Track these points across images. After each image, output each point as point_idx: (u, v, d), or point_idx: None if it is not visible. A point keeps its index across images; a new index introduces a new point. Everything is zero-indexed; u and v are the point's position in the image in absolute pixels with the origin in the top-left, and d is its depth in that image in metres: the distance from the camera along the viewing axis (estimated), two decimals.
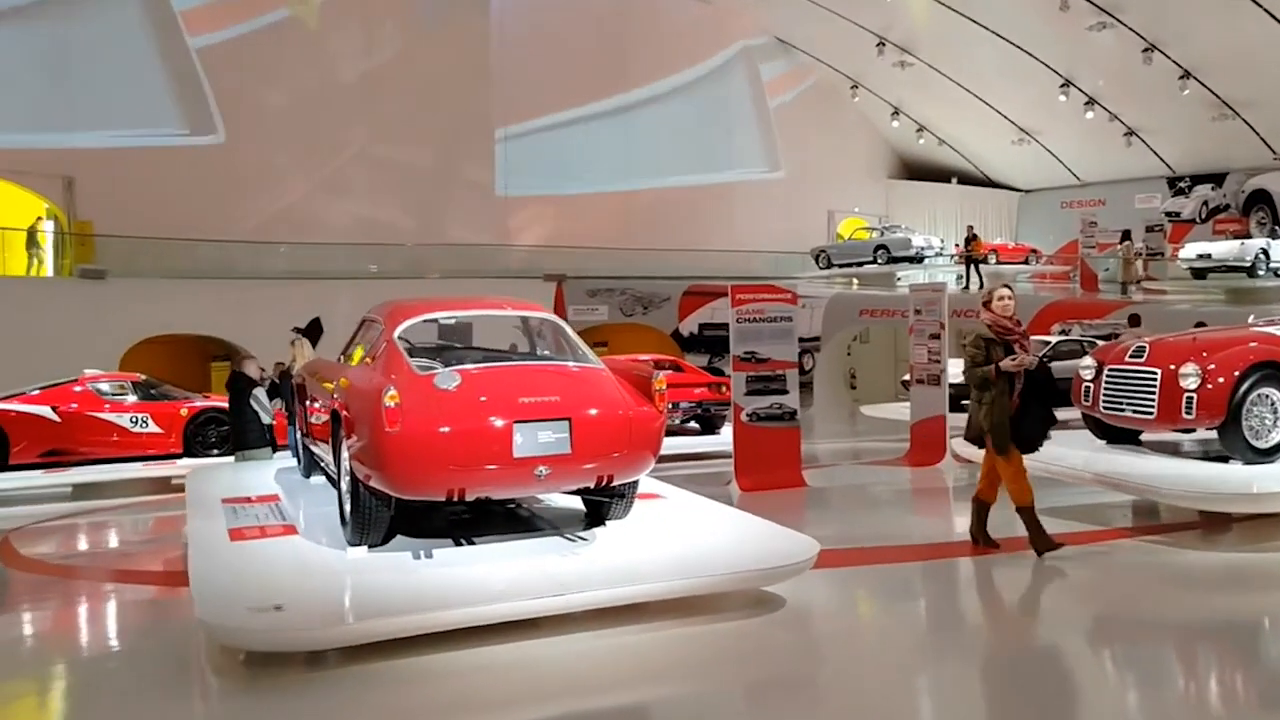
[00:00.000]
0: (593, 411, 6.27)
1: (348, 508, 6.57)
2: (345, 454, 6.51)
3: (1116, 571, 7.44)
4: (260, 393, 10.41)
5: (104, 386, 14.94)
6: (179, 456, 14.79)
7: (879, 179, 36.26)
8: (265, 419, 10.40)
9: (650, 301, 26.66)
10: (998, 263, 28.93)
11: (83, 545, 11.05)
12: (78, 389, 14.81)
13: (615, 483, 6.51)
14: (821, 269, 29.99)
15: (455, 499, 6.08)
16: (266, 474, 9.40)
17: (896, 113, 33.75)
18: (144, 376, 15.71)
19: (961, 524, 8.61)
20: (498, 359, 7.17)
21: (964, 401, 7.95)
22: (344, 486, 6.69)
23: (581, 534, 6.85)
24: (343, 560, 6.37)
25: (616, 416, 6.31)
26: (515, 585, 5.71)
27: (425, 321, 7.12)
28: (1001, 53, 28.85)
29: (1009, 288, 7.54)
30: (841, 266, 29.84)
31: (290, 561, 6.35)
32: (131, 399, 14.94)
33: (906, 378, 15.73)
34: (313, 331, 13.12)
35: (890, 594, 7.19)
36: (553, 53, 29.43)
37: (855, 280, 29.48)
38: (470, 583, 5.84)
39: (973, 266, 26.19)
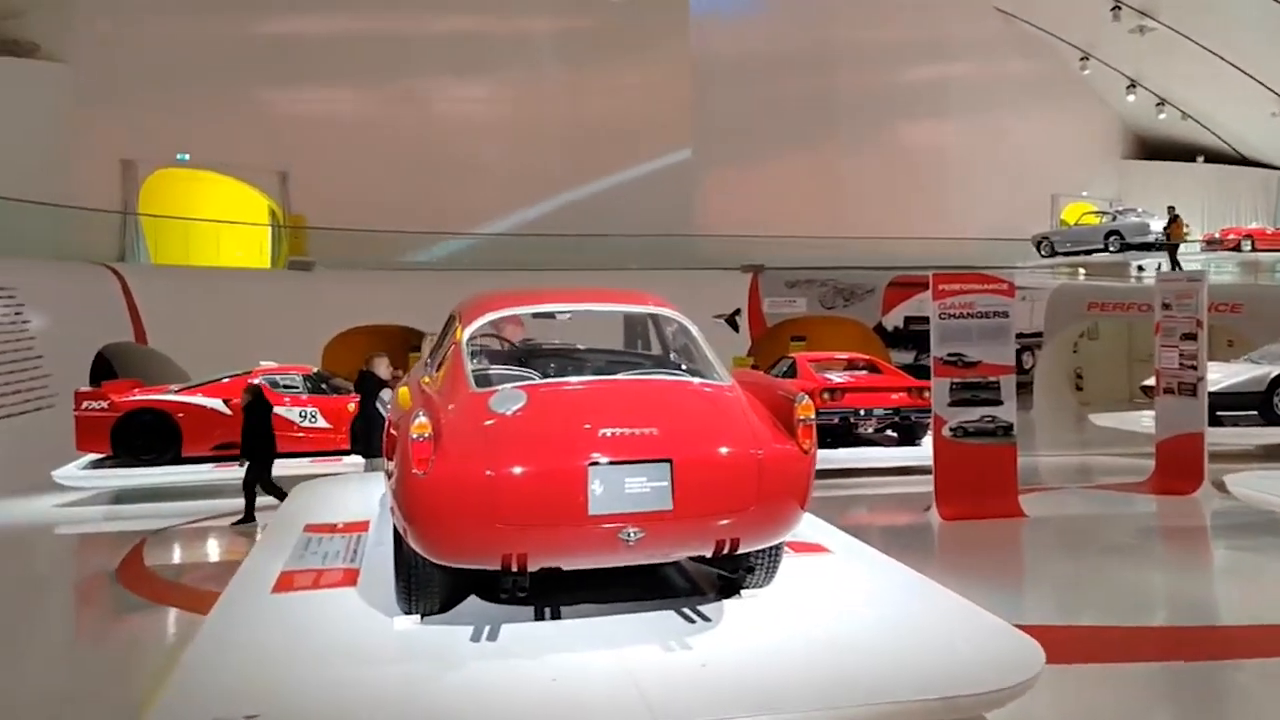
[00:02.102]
0: (707, 450, 4.26)
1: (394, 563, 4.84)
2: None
3: None
4: (388, 394, 8.92)
5: (276, 379, 14.09)
6: (346, 453, 13.75)
7: (1110, 159, 31.87)
8: None
9: (853, 293, 24.10)
10: (1254, 249, 24.53)
11: (214, 554, 10.01)
12: (253, 381, 14.01)
13: (742, 550, 4.47)
14: (1044, 257, 26.39)
15: (514, 570, 4.20)
16: (374, 488, 7.84)
17: (1133, 85, 29.40)
18: (316, 369, 14.83)
19: (1251, 592, 5.98)
20: (587, 370, 5.20)
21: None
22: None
23: (705, 607, 4.82)
24: (381, 635, 4.64)
25: (742, 457, 4.27)
26: (582, 710, 3.78)
27: (506, 319, 5.28)
28: (1261, 10, 24.28)
29: None
30: (1066, 255, 26.15)
31: (317, 634, 4.69)
32: (302, 393, 14.03)
33: (1148, 383, 12.78)
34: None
35: None
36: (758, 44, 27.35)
37: (1082, 270, 25.76)
38: (519, 699, 3.94)
39: (1174, 253, 22.27)
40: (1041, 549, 9.01)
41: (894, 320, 23.91)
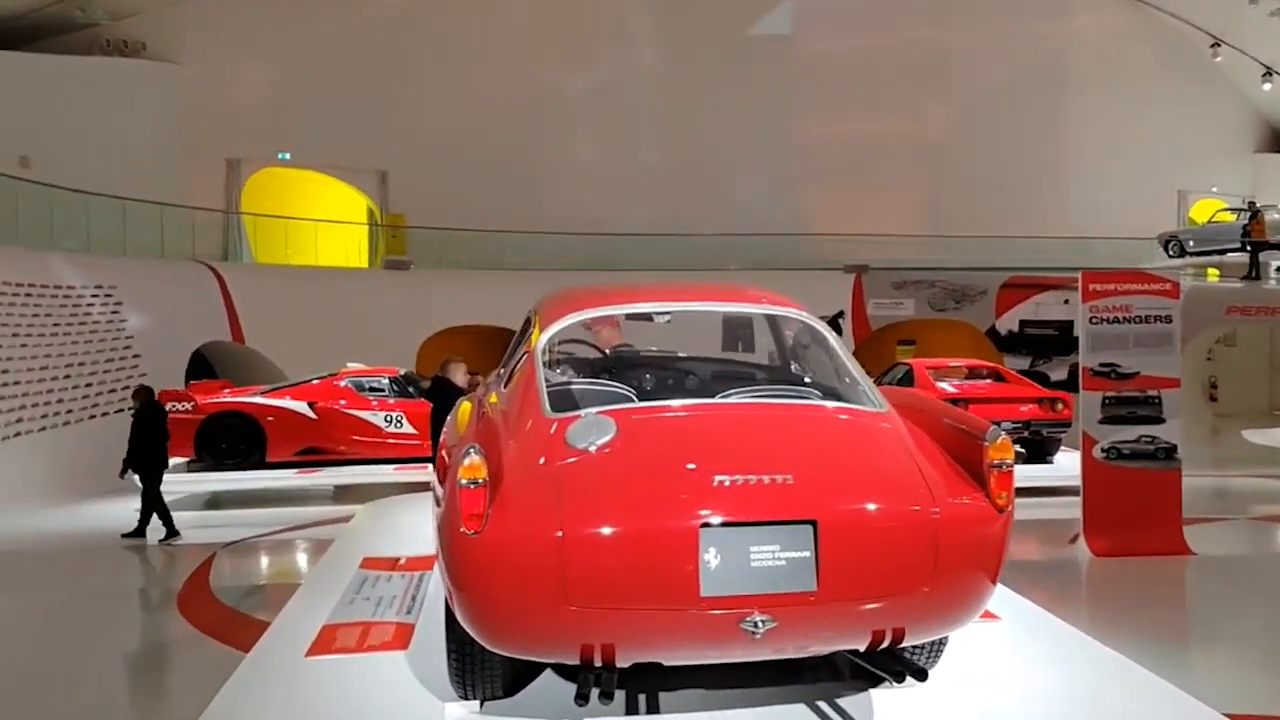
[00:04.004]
0: (864, 506, 3.02)
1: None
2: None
3: None
4: None
5: (362, 381, 13.26)
6: (432, 460, 12.85)
7: (1244, 153, 29.16)
8: None
9: (964, 295, 22.32)
10: None
11: (283, 575, 9.13)
12: (340, 384, 13.24)
13: (906, 643, 3.21)
14: (1172, 257, 24.13)
15: (599, 664, 3.00)
16: None
17: (1269, 73, 26.78)
18: (404, 371, 13.96)
19: None
20: (693, 387, 3.95)
21: None
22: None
23: (848, 699, 3.56)
24: None
25: (914, 518, 3.02)
26: None
27: (599, 321, 4.13)
28: None
29: None
30: (1197, 255, 23.83)
31: (351, 717, 3.58)
32: (388, 396, 13.16)
33: None
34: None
35: None
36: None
37: (1217, 271, 23.45)
38: None
39: (1256, 253, 19.68)
40: (1222, 599, 7.48)
41: (1008, 324, 22.06)
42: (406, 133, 23.41)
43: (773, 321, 4.59)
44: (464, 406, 4.14)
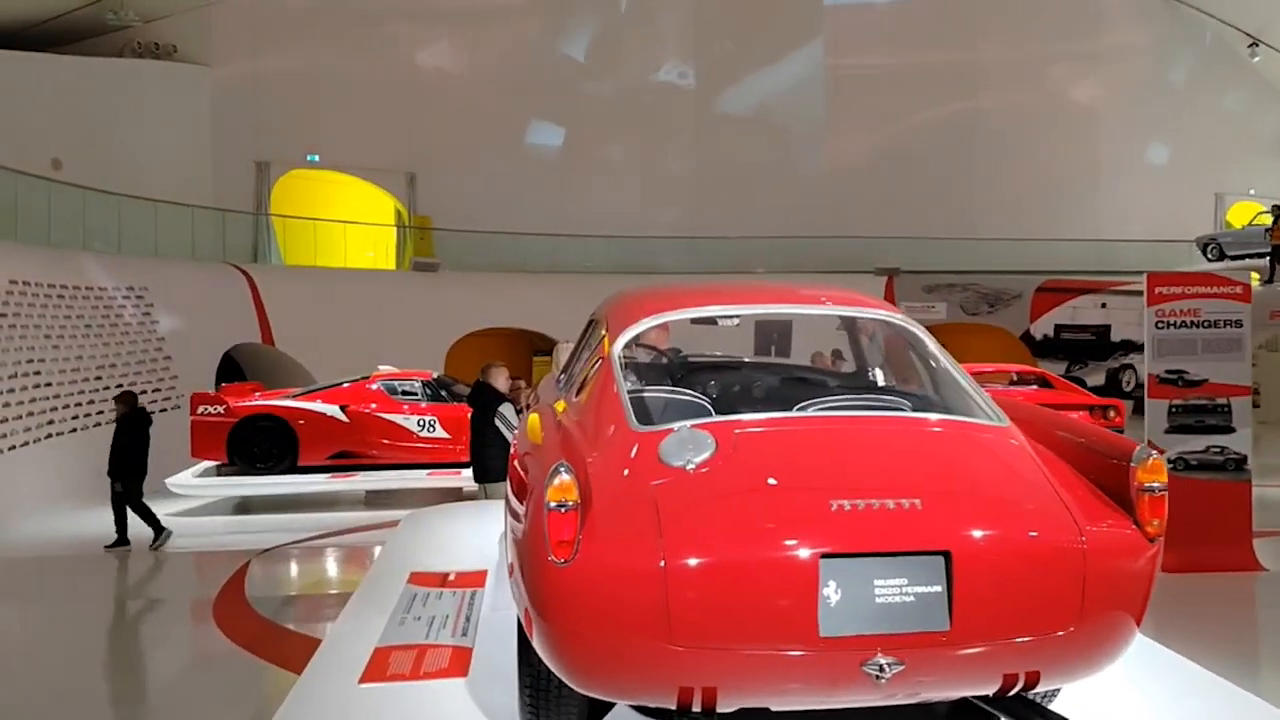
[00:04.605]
0: (1004, 535, 2.66)
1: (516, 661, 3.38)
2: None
3: None
4: (508, 410, 7.56)
5: (395, 385, 12.98)
6: (465, 465, 12.53)
7: None
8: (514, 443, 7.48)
9: (998, 298, 21.87)
10: None
11: (320, 585, 8.86)
12: (371, 387, 12.97)
13: (1040, 688, 2.86)
14: (1210, 261, 23.55)
15: (698, 709, 2.67)
16: (494, 523, 6.43)
17: None
18: (436, 374, 13.68)
19: None
20: (783, 398, 3.57)
21: None
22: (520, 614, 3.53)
23: None
24: None
25: (1060, 547, 2.66)
26: None
27: (664, 327, 3.79)
28: None
29: None
30: (1235, 258, 23.25)
31: None
32: (421, 400, 12.88)
33: None
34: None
35: None
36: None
37: (1256, 275, 22.86)
38: None
39: (1276, 257, 19.10)
40: None
41: (1043, 328, 21.61)
42: (434, 135, 23.18)
43: (851, 324, 4.22)
44: (532, 419, 3.79)
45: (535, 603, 2.70)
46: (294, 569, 9.28)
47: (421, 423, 12.65)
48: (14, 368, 12.45)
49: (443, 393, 13.05)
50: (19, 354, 12.64)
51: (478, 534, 6.22)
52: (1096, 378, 20.49)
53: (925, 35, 25.31)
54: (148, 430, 10.16)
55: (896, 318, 3.73)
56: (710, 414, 3.33)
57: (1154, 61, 26.74)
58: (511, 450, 3.78)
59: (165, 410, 14.97)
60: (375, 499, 12.66)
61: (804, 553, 2.53)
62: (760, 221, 24.17)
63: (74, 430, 13.13)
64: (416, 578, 5.37)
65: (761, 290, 4.19)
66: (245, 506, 12.45)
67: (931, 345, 3.59)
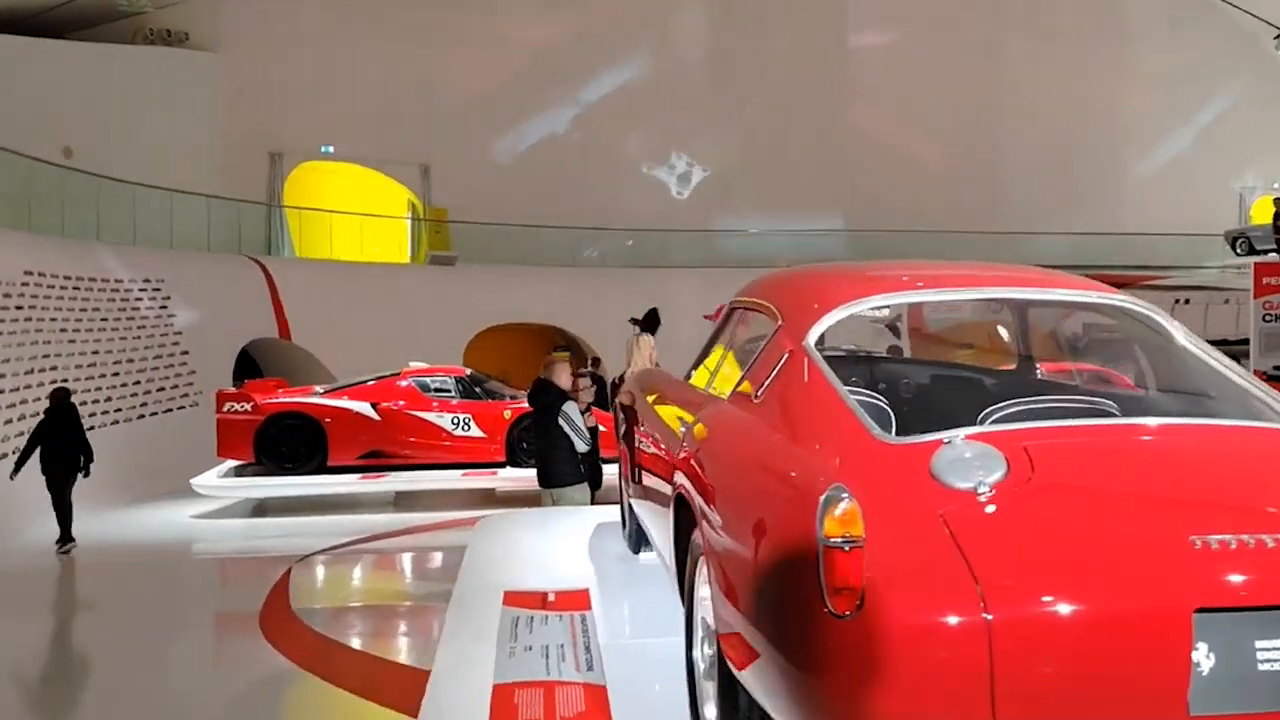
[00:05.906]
0: None
1: (709, 716, 2.75)
2: (702, 589, 2.73)
3: None
4: (572, 409, 6.90)
5: (427, 381, 12.33)
6: (501, 465, 11.92)
7: None
8: (580, 445, 6.84)
9: None
10: None
11: (370, 595, 8.22)
12: (402, 384, 12.31)
13: None
14: (1239, 255, 22.98)
15: None
16: (579, 534, 5.81)
17: None
18: (470, 371, 13.04)
19: None
20: (1067, 402, 2.92)
21: None
22: (698, 660, 2.90)
23: None
24: None
25: None
26: None
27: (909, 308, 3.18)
28: None
29: None
30: (1267, 253, 22.69)
31: None
32: (454, 397, 12.23)
33: None
34: (649, 324, 9.81)
35: None
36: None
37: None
38: None
39: None
40: None
41: (1072, 325, 20.97)
42: (449, 126, 22.49)
43: (1130, 313, 3.36)
44: (669, 411, 3.16)
45: (799, 661, 2.07)
46: (338, 577, 8.63)
47: (455, 420, 12.01)
48: (30, 362, 11.79)
49: (476, 389, 12.42)
50: (35, 348, 11.98)
51: (563, 544, 5.60)
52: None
53: (951, 39, 24.74)
54: (77, 424, 9.62)
55: (1142, 307, 3.16)
56: (891, 419, 2.76)
57: (1174, 52, 26.16)
58: (679, 459, 3.12)
59: (183, 408, 14.32)
60: (402, 501, 12.03)
61: (1175, 605, 1.91)
62: (780, 214, 23.60)
63: (90, 429, 12.44)
64: (511, 598, 4.73)
65: (989, 274, 3.37)
66: (263, 509, 11.78)
67: (1178, 336, 3.00)
